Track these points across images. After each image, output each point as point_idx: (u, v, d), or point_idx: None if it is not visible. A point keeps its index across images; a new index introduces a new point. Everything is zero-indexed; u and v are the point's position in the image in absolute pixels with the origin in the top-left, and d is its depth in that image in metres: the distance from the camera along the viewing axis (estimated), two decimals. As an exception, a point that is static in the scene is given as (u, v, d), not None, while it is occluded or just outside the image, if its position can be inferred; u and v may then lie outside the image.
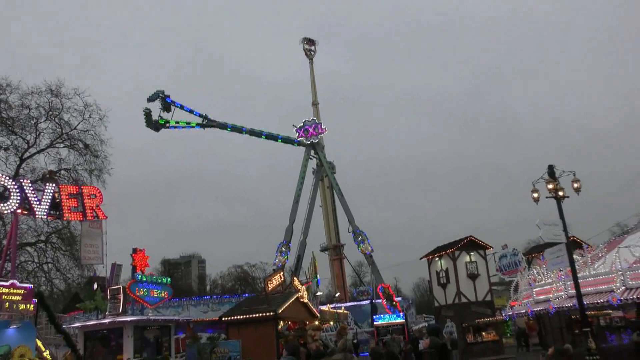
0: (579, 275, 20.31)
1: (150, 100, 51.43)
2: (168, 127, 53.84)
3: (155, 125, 52.23)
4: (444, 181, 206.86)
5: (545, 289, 23.16)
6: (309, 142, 63.52)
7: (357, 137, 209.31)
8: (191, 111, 55.54)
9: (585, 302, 19.65)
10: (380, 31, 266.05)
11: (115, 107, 35.73)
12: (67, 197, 18.87)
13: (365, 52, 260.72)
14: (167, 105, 52.06)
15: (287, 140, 62.80)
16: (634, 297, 18.46)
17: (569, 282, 21.22)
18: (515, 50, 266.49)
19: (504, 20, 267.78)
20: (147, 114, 51.60)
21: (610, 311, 28.65)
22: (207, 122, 57.21)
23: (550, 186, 16.25)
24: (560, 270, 21.07)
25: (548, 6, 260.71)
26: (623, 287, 18.86)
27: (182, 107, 54.19)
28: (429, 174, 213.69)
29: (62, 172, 32.65)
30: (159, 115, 52.09)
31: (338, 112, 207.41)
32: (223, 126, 59.00)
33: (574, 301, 20.13)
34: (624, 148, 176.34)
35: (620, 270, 19.17)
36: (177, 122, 54.29)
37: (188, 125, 55.81)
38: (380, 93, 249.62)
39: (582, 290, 19.76)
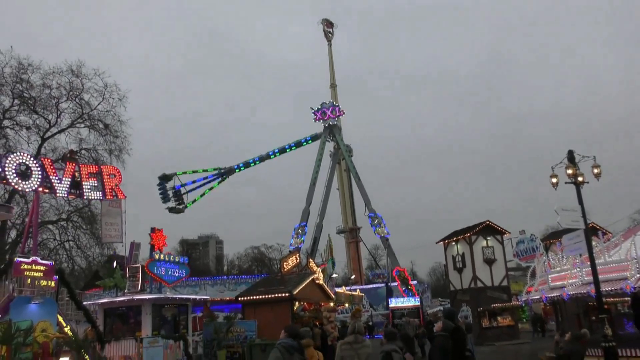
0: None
1: (161, 180, 51.50)
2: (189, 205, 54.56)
3: (177, 210, 52.66)
4: (460, 164, 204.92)
5: (560, 276, 22.98)
6: (326, 125, 63.43)
7: (369, 118, 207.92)
8: (204, 182, 56.21)
9: (595, 290, 19.53)
10: (386, 9, 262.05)
11: (129, 86, 35.86)
12: (87, 176, 19.17)
13: (373, 32, 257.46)
14: (179, 194, 52.62)
15: (315, 138, 62.86)
16: None
17: (584, 269, 21.04)
18: (532, 29, 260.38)
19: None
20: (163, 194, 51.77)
21: (629, 298, 28.36)
22: (224, 173, 57.85)
23: (570, 171, 15.99)
24: (581, 256, 20.87)
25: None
26: (638, 275, 18.72)
27: (194, 182, 55.05)
28: (446, 157, 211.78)
29: (83, 151, 33.13)
30: (176, 202, 52.42)
31: (349, 93, 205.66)
32: (246, 164, 59.57)
33: (588, 288, 20.03)
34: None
35: (635, 258, 18.98)
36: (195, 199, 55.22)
37: (210, 189, 57.02)
38: (390, 73, 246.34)
39: (592, 277, 19.64)
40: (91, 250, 34.06)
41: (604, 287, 18.89)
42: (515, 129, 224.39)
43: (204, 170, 56.50)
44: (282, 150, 61.12)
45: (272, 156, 61.13)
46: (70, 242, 33.77)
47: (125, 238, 21.80)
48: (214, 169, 57.03)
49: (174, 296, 20.95)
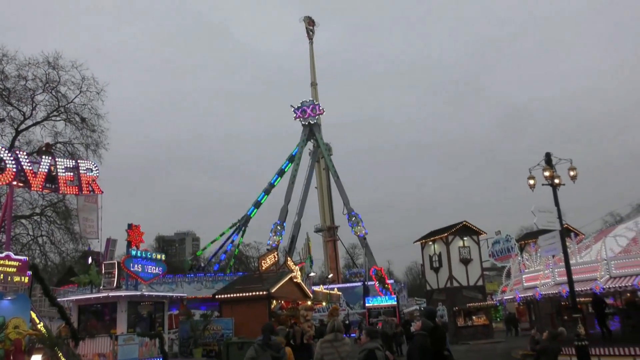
0: (564, 263, 20.61)
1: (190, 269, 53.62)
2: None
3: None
4: (438, 164, 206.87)
5: (534, 276, 23.46)
6: (306, 123, 63.44)
7: (347, 113, 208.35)
8: (227, 240, 60.62)
9: (568, 290, 19.96)
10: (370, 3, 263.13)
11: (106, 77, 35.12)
12: (63, 170, 18.81)
13: (354, 25, 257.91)
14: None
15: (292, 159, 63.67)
16: (617, 285, 18.85)
17: (556, 270, 21.51)
18: (516, 26, 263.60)
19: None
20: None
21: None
22: (242, 225, 61.20)
23: (547, 173, 16.27)
24: (554, 257, 21.28)
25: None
26: (607, 276, 19.22)
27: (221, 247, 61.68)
28: (424, 156, 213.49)
29: (58, 145, 32.49)
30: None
31: (330, 87, 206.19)
32: (256, 205, 62.20)
33: (560, 288, 20.49)
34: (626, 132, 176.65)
35: (605, 260, 19.49)
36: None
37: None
38: (370, 67, 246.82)
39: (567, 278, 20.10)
40: (65, 246, 33.43)
41: (574, 287, 19.34)
42: (494, 129, 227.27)
43: (222, 234, 61.14)
44: (281, 173, 62.09)
45: (275, 183, 62.65)
46: (44, 237, 33.11)
47: (101, 234, 21.47)
48: (232, 226, 60.65)
49: (150, 293, 20.70)
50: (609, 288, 19.17)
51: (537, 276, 23.11)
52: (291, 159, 62.89)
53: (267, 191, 61.58)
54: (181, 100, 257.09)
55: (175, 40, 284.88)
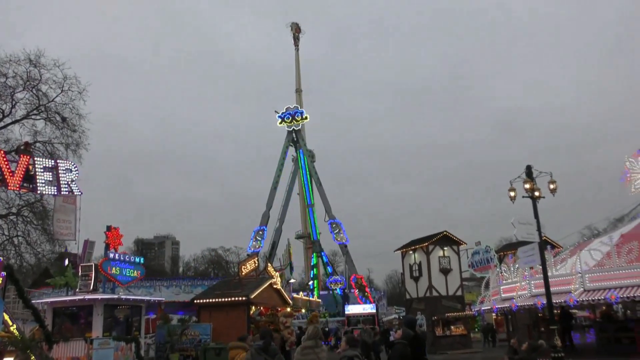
0: (540, 275, 20.89)
1: None
2: None
3: None
4: (421, 173, 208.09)
5: (511, 287, 23.71)
6: (290, 129, 63.44)
7: (328, 122, 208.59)
8: None
9: (543, 302, 20.23)
10: (349, 15, 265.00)
11: (80, 69, 34.57)
12: (41, 170, 18.50)
13: (335, 37, 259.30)
14: None
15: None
16: (590, 298, 19.18)
17: (532, 282, 21.79)
18: (495, 43, 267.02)
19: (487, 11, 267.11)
20: None
21: (576, 311, 29.39)
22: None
23: (527, 186, 16.47)
24: (531, 269, 21.53)
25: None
26: (582, 289, 19.55)
27: None
28: (406, 165, 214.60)
29: (38, 144, 31.94)
30: None
31: (311, 97, 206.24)
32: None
33: (535, 300, 20.77)
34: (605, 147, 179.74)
35: (579, 273, 19.81)
36: None
37: None
38: (350, 79, 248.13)
39: (544, 289, 20.38)
40: (41, 247, 32.80)
41: (552, 299, 19.60)
42: (477, 140, 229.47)
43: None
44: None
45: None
46: (20, 238, 32.47)
47: (78, 235, 21.14)
48: None
49: (128, 297, 20.41)
50: (583, 301, 19.52)
51: (514, 287, 23.36)
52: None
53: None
54: (160, 103, 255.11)
55: (155, 41, 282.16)
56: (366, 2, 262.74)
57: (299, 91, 76.61)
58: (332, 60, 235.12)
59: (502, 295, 24.40)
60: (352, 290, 52.74)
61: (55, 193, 19.15)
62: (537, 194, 16.36)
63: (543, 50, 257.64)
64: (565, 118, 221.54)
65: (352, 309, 40.29)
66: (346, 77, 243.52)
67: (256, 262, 29.52)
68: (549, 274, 19.65)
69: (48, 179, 18.66)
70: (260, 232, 59.06)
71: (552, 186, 16.80)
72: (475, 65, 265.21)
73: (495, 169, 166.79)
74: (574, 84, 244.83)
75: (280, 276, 29.92)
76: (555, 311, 23.03)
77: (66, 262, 23.94)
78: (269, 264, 30.41)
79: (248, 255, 52.01)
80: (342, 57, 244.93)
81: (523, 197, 16.51)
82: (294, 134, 63.98)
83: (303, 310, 37.57)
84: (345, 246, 57.99)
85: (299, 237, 75.93)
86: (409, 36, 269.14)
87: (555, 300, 19.14)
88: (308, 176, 65.33)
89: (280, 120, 63.00)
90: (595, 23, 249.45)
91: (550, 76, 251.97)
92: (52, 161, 19.55)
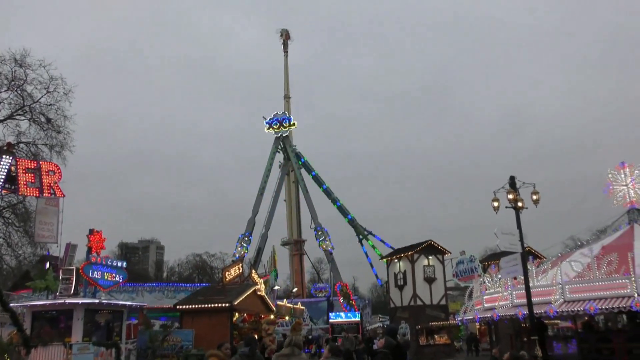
0: (522, 286, 21.08)
1: None
2: None
3: None
4: (406, 181, 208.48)
5: (493, 297, 23.86)
6: (278, 135, 63.48)
7: (316, 129, 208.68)
8: None
9: (524, 313, 20.41)
10: (336, 21, 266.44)
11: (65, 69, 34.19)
12: (24, 171, 18.27)
13: (321, 43, 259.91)
14: None
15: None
16: (570, 309, 19.39)
17: (514, 292, 21.96)
18: (475, 51, 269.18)
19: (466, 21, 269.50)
20: None
21: (559, 321, 29.61)
22: None
23: (511, 196, 16.61)
24: (514, 279, 21.67)
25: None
26: (562, 300, 19.77)
27: None
28: (392, 173, 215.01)
29: (21, 145, 31.57)
30: None
31: (300, 103, 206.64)
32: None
33: (516, 310, 20.95)
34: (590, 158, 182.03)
35: (560, 284, 20.03)
36: None
37: None
38: (337, 85, 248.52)
39: (525, 300, 20.58)
40: (22, 249, 32.37)
41: (533, 310, 19.79)
42: (462, 149, 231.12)
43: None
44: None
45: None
46: (0, 240, 32.03)
47: (60, 238, 20.85)
48: None
49: (109, 301, 20.19)
50: (562, 312, 19.73)
51: (497, 297, 23.51)
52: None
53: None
54: (146, 107, 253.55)
55: (145, 44, 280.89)
56: (355, 9, 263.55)
57: (287, 97, 76.65)
58: (317, 65, 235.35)
59: (485, 305, 24.54)
60: (337, 298, 52.63)
61: (38, 195, 18.93)
62: (520, 204, 16.49)
63: (529, 59, 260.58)
64: (549, 128, 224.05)
65: (336, 317, 40.18)
66: (328, 82, 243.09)
67: (241, 268, 29.41)
68: (531, 284, 19.84)
69: (30, 180, 18.45)
70: (246, 238, 58.85)
71: (535, 197, 16.97)
72: (460, 73, 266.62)
73: (480, 177, 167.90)
74: (558, 94, 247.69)
75: (265, 283, 29.81)
76: (548, 322, 23.27)
77: (47, 265, 23.61)
78: (254, 271, 30.31)
79: (233, 261, 51.76)
80: (327, 62, 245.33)
81: (506, 207, 16.64)
82: (281, 141, 64.00)
83: (287, 318, 37.40)
84: (331, 253, 57.97)
85: (284, 243, 75.72)
86: (394, 42, 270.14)
87: (536, 310, 19.30)
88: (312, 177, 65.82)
89: (267, 126, 62.98)
90: (581, 34, 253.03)
91: (535, 86, 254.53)
92: (36, 162, 19.33)
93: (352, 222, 66.23)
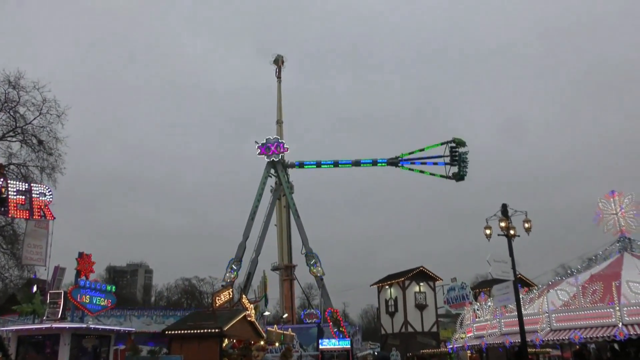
0: (510, 314, 21.11)
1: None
2: None
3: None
4: (398, 208, 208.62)
5: (483, 325, 23.82)
6: (270, 160, 63.54)
7: (303, 154, 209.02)
8: None
9: (512, 341, 20.39)
10: (320, 48, 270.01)
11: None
12: (14, 193, 18.14)
13: (305, 69, 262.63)
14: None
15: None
16: (556, 338, 19.39)
17: (503, 320, 21.93)
18: (460, 78, 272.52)
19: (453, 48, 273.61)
20: None
21: (550, 350, 29.48)
22: None
23: (503, 224, 16.70)
24: (504, 307, 21.65)
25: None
26: (548, 328, 19.80)
27: None
28: (382, 200, 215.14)
29: (12, 166, 31.39)
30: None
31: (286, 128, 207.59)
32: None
33: (504, 338, 20.90)
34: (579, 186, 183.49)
35: (546, 312, 20.07)
36: None
37: None
38: (322, 109, 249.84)
39: (513, 328, 20.63)
40: (9, 272, 31.86)
41: (516, 339, 19.83)
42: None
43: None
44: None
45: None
46: (-14, 262, 31.55)
47: (49, 261, 20.59)
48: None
49: (97, 326, 19.82)
50: (548, 340, 19.74)
51: (485, 325, 23.48)
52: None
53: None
54: (132, 129, 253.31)
55: (126, 66, 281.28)
56: (336, 33, 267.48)
57: (279, 122, 76.98)
58: (303, 89, 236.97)
59: (475, 333, 24.47)
60: (327, 324, 52.08)
61: (28, 217, 18.75)
62: (512, 232, 16.58)
63: (514, 87, 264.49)
64: (537, 155, 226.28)
65: (326, 344, 39.74)
66: (315, 106, 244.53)
67: (231, 293, 29.09)
68: (516, 313, 19.88)
69: (20, 202, 18.30)
70: (236, 263, 58.36)
71: (527, 225, 17.07)
72: (446, 97, 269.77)
73: (471, 203, 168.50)
74: (544, 122, 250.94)
75: (255, 308, 29.50)
76: (539, 350, 23.18)
77: (34, 288, 23.29)
78: (244, 296, 29.99)
79: (223, 286, 51.22)
80: (313, 86, 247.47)
81: (499, 235, 16.71)
82: (272, 166, 64.07)
83: (277, 344, 36.91)
84: (322, 279, 57.55)
85: (275, 268, 75.14)
86: (379, 67, 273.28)
87: (519, 339, 19.31)
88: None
89: (259, 151, 63.11)
90: (563, 59, 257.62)
91: (521, 113, 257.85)
92: (26, 184, 19.20)
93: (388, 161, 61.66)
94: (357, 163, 62.21)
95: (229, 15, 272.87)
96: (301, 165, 64.19)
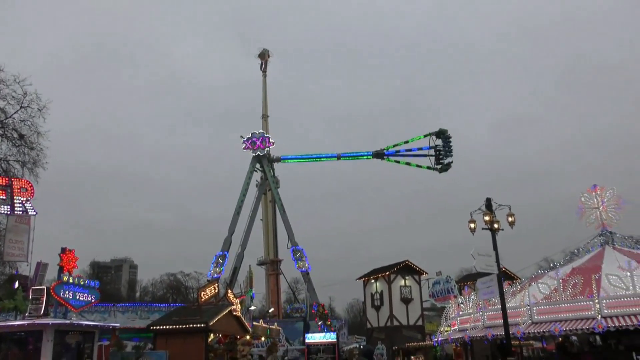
0: (493, 307, 21.34)
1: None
2: None
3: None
4: (382, 202, 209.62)
5: (466, 318, 24.06)
6: (255, 155, 63.38)
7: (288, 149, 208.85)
8: None
9: (494, 334, 20.64)
10: (307, 46, 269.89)
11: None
12: (-5, 188, 17.88)
13: (293, 66, 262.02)
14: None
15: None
16: (537, 331, 19.65)
17: (486, 313, 22.16)
18: (450, 73, 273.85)
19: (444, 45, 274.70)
20: None
21: (533, 342, 29.85)
22: None
23: (487, 218, 16.82)
24: (487, 301, 21.86)
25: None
26: (529, 321, 20.06)
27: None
28: (368, 195, 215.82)
29: (-8, 161, 30.93)
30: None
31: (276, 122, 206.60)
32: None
33: (486, 332, 21.13)
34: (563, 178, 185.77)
35: (528, 305, 20.33)
36: None
37: None
38: (308, 105, 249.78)
39: (496, 322, 20.87)
40: (-10, 268, 31.51)
41: (499, 332, 20.07)
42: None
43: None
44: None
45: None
46: (-33, 258, 31.09)
47: (31, 257, 20.35)
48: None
49: (80, 322, 19.64)
50: (530, 333, 19.99)
51: (469, 319, 23.71)
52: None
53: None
54: (115, 124, 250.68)
55: (107, 59, 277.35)
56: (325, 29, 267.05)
57: (265, 117, 76.80)
58: (289, 84, 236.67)
59: (460, 326, 24.71)
60: (313, 319, 52.21)
61: (9, 212, 18.49)
62: (496, 226, 16.71)
63: (501, 84, 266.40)
64: (519, 150, 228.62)
65: (312, 338, 39.82)
66: (300, 101, 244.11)
67: (216, 288, 28.98)
68: (499, 306, 20.09)
69: (1, 197, 18.04)
70: (222, 258, 58.23)
71: (510, 219, 17.22)
72: (430, 94, 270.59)
73: (455, 197, 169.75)
74: (530, 117, 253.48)
75: (241, 303, 29.44)
76: (524, 342, 23.44)
77: (16, 284, 22.96)
78: (230, 290, 29.89)
79: (208, 280, 51.08)
80: (299, 81, 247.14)
81: (483, 228, 16.83)
82: (258, 160, 63.93)
83: (263, 339, 36.91)
84: (308, 274, 57.65)
85: (260, 263, 75.11)
86: (367, 65, 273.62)
87: (502, 332, 19.53)
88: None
89: (244, 145, 62.92)
90: (547, 57, 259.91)
91: (508, 109, 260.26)
92: (7, 179, 18.92)
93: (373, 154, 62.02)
94: (341, 157, 62.33)
95: (213, 9, 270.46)
96: (282, 159, 64.33)
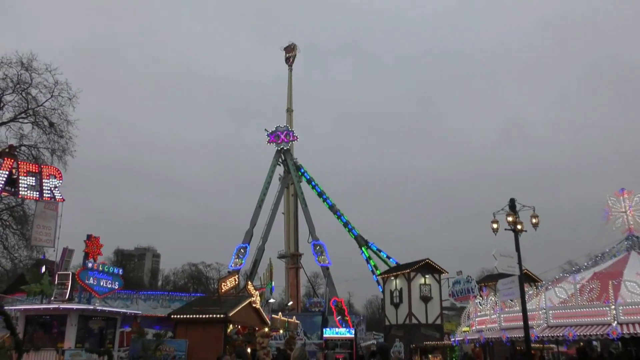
0: (510, 309, 21.12)
1: None
2: None
3: None
4: (405, 202, 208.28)
5: (483, 319, 23.87)
6: (279, 148, 63.64)
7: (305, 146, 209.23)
8: None
9: (509, 336, 20.42)
10: (326, 44, 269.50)
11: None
12: (25, 174, 18.31)
13: (315, 65, 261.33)
14: None
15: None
16: (551, 334, 19.39)
17: (502, 315, 21.93)
18: (470, 76, 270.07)
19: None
20: None
21: (554, 345, 29.45)
22: None
23: (510, 219, 16.61)
24: (506, 302, 21.65)
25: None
26: (545, 325, 19.80)
27: None
28: (390, 193, 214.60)
29: (23, 148, 31.63)
30: None
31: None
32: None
33: (501, 333, 20.92)
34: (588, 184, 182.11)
35: (544, 309, 20.06)
36: None
37: None
38: (324, 102, 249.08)
39: (512, 324, 20.64)
40: (19, 252, 32.26)
41: (514, 334, 19.89)
42: (458, 170, 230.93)
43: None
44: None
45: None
46: (-3, 242, 31.93)
47: (57, 243, 20.79)
48: None
49: (103, 308, 20.06)
50: (544, 336, 19.75)
51: (485, 320, 23.55)
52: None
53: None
54: (139, 117, 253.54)
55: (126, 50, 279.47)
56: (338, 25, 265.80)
57: (289, 111, 76.87)
58: (305, 81, 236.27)
59: (477, 327, 24.54)
60: (332, 313, 52.31)
61: (38, 198, 18.93)
62: (519, 227, 16.49)
63: (518, 85, 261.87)
64: (543, 152, 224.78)
65: (330, 333, 39.92)
66: (315, 99, 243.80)
67: (236, 279, 29.26)
68: (517, 308, 19.87)
69: (31, 183, 18.48)
70: (243, 250, 58.76)
71: (534, 220, 16.97)
72: (449, 96, 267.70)
73: (478, 198, 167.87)
74: (549, 119, 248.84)
75: (260, 295, 29.65)
76: (542, 346, 23.16)
77: (43, 269, 23.53)
78: (249, 282, 30.13)
79: (229, 272, 51.55)
80: (315, 79, 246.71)
81: (505, 229, 16.64)
82: (282, 153, 64.14)
83: (281, 331, 37.15)
84: (327, 268, 57.80)
85: (281, 256, 75.49)
86: (384, 65, 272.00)
87: (518, 335, 19.30)
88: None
89: (269, 139, 63.20)
90: (570, 60, 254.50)
91: (525, 111, 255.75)
92: (37, 166, 19.37)
93: (357, 238, 65.52)
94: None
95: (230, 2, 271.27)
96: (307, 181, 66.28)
